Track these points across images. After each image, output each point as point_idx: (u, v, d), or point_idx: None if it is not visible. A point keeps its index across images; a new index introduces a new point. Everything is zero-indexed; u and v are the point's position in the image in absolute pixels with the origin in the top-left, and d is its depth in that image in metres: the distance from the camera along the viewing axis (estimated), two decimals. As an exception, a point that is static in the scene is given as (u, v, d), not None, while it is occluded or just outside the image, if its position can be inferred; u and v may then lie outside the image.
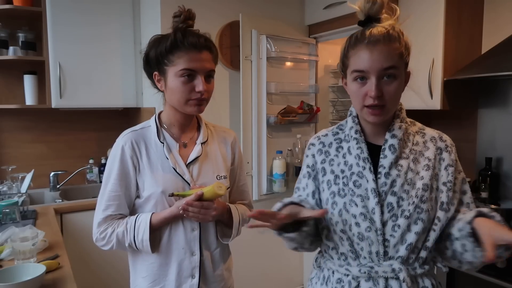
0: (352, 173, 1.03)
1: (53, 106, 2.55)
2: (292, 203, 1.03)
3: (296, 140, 2.76)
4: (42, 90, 2.61)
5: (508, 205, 2.08)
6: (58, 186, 2.71)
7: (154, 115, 1.27)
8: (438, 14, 2.15)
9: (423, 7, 2.24)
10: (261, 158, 2.60)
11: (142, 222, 1.16)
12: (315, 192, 1.09)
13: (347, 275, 1.02)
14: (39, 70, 2.60)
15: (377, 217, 0.98)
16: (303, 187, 1.11)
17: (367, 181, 1.00)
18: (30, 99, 2.60)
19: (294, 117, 2.69)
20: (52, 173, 2.69)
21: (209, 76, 1.17)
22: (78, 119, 2.91)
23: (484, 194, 2.21)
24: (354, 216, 0.99)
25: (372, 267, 0.99)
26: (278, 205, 1.03)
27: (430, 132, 1.10)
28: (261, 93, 2.56)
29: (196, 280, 1.22)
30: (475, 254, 0.94)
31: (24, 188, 2.36)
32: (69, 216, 2.32)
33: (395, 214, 0.98)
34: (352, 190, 1.01)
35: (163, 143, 1.21)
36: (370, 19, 1.01)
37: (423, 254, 1.00)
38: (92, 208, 2.38)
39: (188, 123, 1.26)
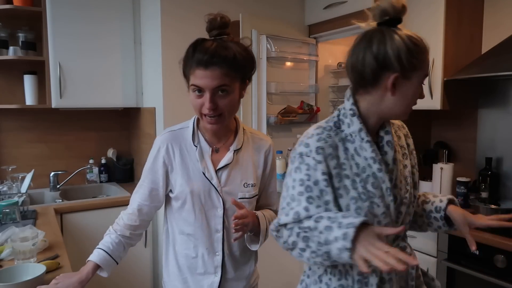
0: (368, 176, 1.05)
1: (53, 106, 2.55)
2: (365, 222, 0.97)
3: (296, 140, 2.75)
4: (42, 90, 2.61)
5: (508, 205, 2.08)
6: (58, 186, 2.71)
7: (194, 117, 1.29)
8: (438, 14, 2.16)
9: (423, 7, 2.24)
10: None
11: (92, 255, 1.29)
12: (336, 199, 1.04)
13: (369, 265, 1.04)
14: (39, 70, 2.60)
15: (392, 211, 1.07)
16: (317, 196, 1.03)
17: (383, 181, 1.05)
18: (30, 99, 2.60)
19: (294, 117, 2.69)
20: (52, 173, 2.69)
21: (222, 91, 1.14)
22: (78, 119, 2.91)
23: (484, 194, 2.21)
24: (377, 216, 1.05)
25: None
26: (350, 231, 0.93)
27: (395, 121, 1.20)
28: (261, 93, 2.56)
29: (218, 278, 1.28)
30: (442, 228, 1.22)
31: (24, 188, 2.36)
32: (69, 216, 2.32)
33: (399, 204, 1.09)
34: (373, 192, 1.04)
35: (196, 146, 1.26)
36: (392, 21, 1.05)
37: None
38: (92, 208, 2.41)
39: (219, 131, 1.27)
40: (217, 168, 1.26)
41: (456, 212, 1.17)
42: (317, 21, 2.79)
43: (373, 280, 1.06)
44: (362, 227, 0.92)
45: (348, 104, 1.11)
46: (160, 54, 2.40)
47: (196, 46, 1.15)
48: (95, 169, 2.91)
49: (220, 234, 1.27)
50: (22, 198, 2.11)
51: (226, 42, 1.15)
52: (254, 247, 1.31)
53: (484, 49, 2.30)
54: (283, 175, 2.64)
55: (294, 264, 3.00)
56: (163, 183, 1.28)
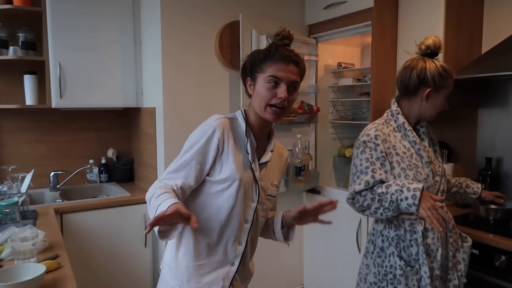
0: (412, 153, 1.59)
1: (53, 106, 2.55)
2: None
3: (296, 140, 2.76)
4: (42, 90, 2.61)
5: (509, 205, 2.08)
6: (58, 186, 2.71)
7: (241, 111, 1.35)
8: (438, 14, 2.16)
9: (424, 7, 2.24)
10: (261, 158, 2.60)
11: (171, 200, 1.11)
12: (391, 170, 1.57)
13: (416, 218, 1.56)
14: (39, 70, 2.60)
15: (430, 178, 1.59)
16: (379, 167, 1.56)
17: (422, 156, 1.60)
18: (30, 99, 2.60)
19: (294, 117, 2.69)
20: (52, 173, 2.69)
21: (293, 88, 1.28)
22: (78, 119, 2.91)
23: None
24: (420, 181, 1.55)
25: None
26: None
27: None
28: (261, 93, 2.55)
29: (234, 268, 1.32)
30: (473, 201, 1.89)
31: (24, 188, 2.35)
32: (69, 216, 2.32)
33: (435, 174, 1.62)
34: (416, 164, 1.58)
35: (248, 139, 1.31)
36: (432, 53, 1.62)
37: (444, 195, 1.68)
38: (92, 208, 2.41)
39: (266, 130, 1.37)
40: (260, 163, 1.34)
41: (484, 193, 1.85)
42: (317, 21, 2.79)
43: (419, 228, 1.54)
44: (422, 190, 1.45)
45: (394, 107, 1.66)
46: (160, 54, 2.40)
47: (279, 46, 1.30)
48: (95, 169, 2.91)
49: (248, 225, 1.32)
50: (22, 198, 2.11)
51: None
52: (288, 241, 1.43)
53: (484, 49, 2.30)
54: (283, 175, 2.64)
55: (294, 262, 3.01)
56: (209, 166, 1.28)
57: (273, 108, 1.25)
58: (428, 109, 1.61)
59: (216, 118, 1.29)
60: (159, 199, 1.14)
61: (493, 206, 2.02)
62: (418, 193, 1.45)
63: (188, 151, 1.27)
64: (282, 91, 1.24)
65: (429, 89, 1.56)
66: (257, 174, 1.31)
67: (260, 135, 1.36)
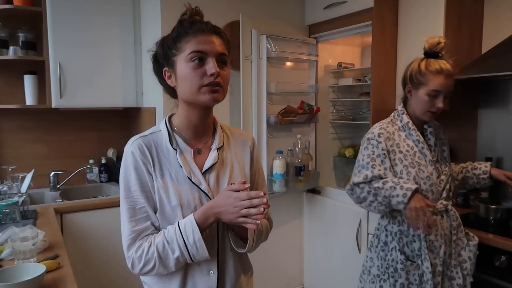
0: (415, 152, 1.65)
1: (53, 106, 2.55)
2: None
3: (296, 140, 2.76)
4: (42, 90, 2.61)
5: (509, 204, 2.08)
6: (58, 186, 2.71)
7: (165, 119, 1.15)
8: (438, 14, 2.16)
9: (423, 7, 2.24)
10: (261, 158, 2.60)
11: (187, 223, 1.01)
12: (392, 166, 1.63)
13: None
14: (39, 70, 2.60)
15: (434, 177, 1.64)
16: (379, 164, 1.63)
17: (426, 155, 1.65)
18: (30, 99, 2.60)
19: (294, 117, 2.69)
20: (52, 173, 2.69)
21: (222, 62, 1.06)
22: (78, 119, 2.91)
23: (484, 194, 2.21)
24: (422, 178, 1.62)
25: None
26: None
27: (436, 122, 1.80)
28: (261, 93, 2.56)
29: None
30: (486, 182, 1.86)
31: (24, 188, 2.35)
32: (69, 216, 2.32)
33: (440, 174, 1.67)
34: (419, 162, 1.63)
35: (176, 149, 1.10)
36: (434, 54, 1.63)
37: (450, 194, 1.71)
38: (92, 208, 2.41)
39: (203, 124, 1.14)
40: (203, 170, 1.11)
41: (494, 170, 1.81)
42: (317, 21, 2.79)
43: (421, 224, 1.53)
44: (415, 192, 1.51)
45: (399, 107, 1.73)
46: (160, 54, 2.40)
47: (191, 21, 1.08)
48: (95, 169, 2.91)
49: (215, 248, 1.09)
50: (22, 198, 2.11)
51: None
52: (240, 250, 1.13)
53: (485, 49, 2.30)
54: (283, 175, 2.65)
55: (294, 262, 3.01)
56: (155, 197, 1.07)
57: (211, 86, 1.03)
58: (414, 106, 1.67)
59: (130, 143, 1.10)
60: (172, 233, 1.02)
61: (493, 206, 2.01)
62: (409, 193, 1.51)
63: (128, 196, 1.06)
64: (211, 66, 1.02)
65: (408, 86, 1.68)
66: (203, 186, 1.08)
67: (199, 135, 1.15)
